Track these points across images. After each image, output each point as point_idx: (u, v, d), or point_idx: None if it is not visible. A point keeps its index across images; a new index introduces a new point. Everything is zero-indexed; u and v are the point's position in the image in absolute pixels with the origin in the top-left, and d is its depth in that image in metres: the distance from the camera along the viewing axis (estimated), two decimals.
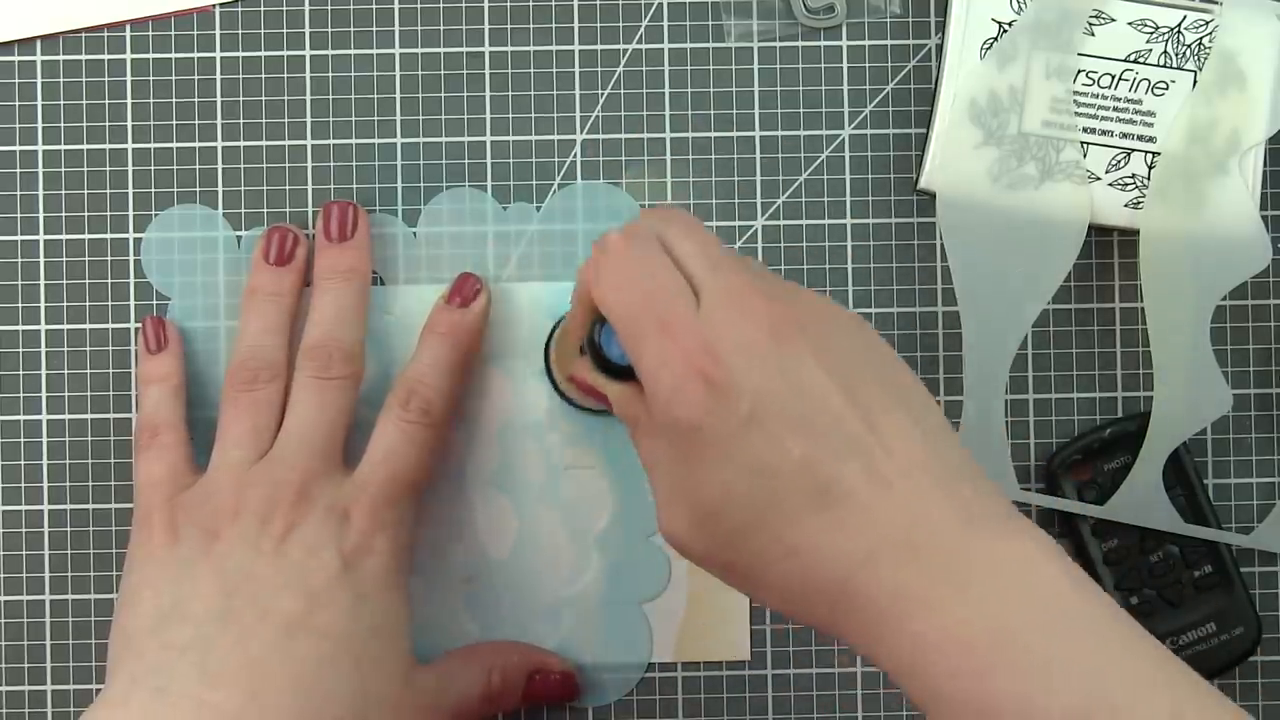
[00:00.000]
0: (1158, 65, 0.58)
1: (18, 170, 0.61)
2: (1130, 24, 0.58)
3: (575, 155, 0.61)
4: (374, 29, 0.61)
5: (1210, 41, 0.58)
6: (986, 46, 0.58)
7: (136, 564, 0.56)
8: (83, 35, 0.61)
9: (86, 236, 0.61)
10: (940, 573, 0.44)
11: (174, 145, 0.61)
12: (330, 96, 0.61)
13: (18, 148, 0.61)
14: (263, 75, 0.61)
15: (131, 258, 0.61)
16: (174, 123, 0.61)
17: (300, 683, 0.52)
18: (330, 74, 0.61)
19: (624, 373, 0.50)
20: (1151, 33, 0.58)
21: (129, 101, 0.61)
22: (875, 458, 0.45)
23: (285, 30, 0.61)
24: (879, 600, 0.45)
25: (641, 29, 0.62)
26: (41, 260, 0.61)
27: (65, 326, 0.61)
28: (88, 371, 0.61)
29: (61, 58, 0.61)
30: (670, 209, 0.52)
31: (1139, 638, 0.44)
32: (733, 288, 0.47)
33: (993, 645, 0.43)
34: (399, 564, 0.56)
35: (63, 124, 0.61)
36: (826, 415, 0.46)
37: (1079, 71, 0.58)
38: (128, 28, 0.61)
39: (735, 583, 0.48)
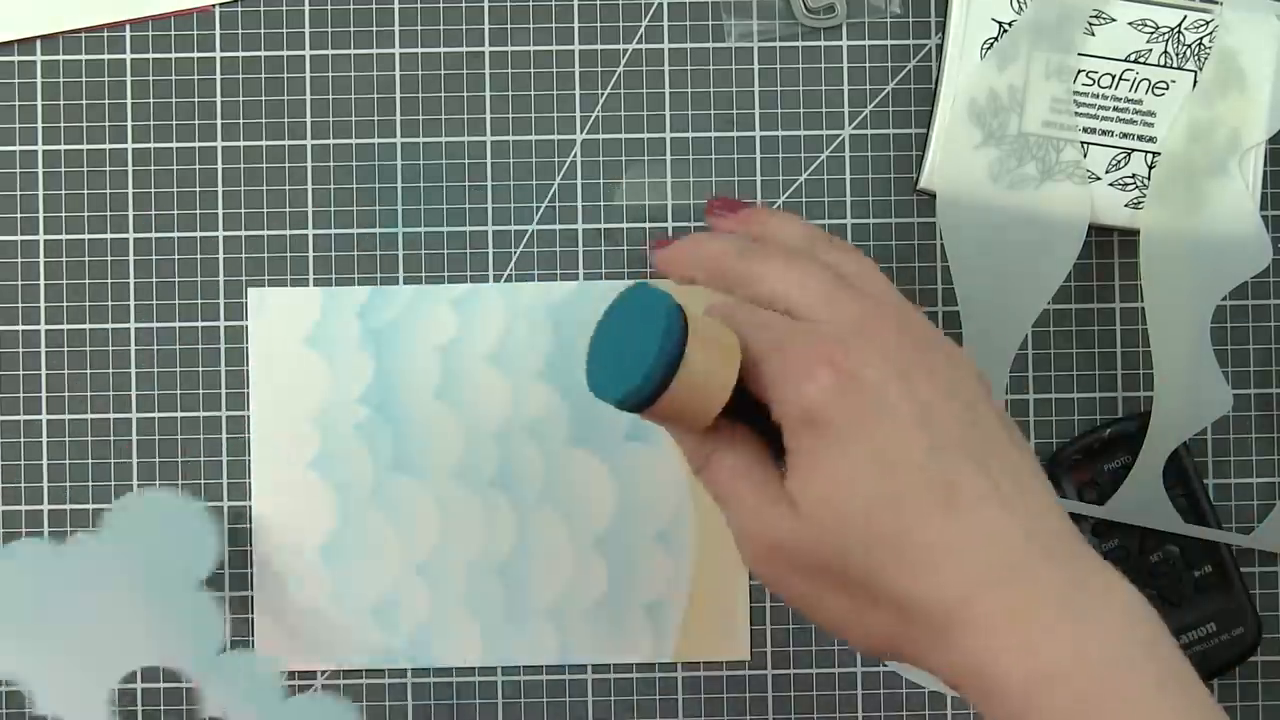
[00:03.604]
0: (1158, 65, 0.58)
1: (18, 170, 0.61)
2: (1130, 24, 0.58)
3: (575, 155, 0.61)
4: (374, 29, 0.61)
5: (1210, 41, 0.58)
6: (986, 46, 0.58)
7: None
8: (83, 35, 0.61)
9: (86, 236, 0.61)
10: (1057, 601, 0.44)
11: (174, 145, 0.61)
12: (330, 96, 0.61)
13: (18, 148, 0.61)
14: (263, 75, 0.61)
15: (131, 258, 0.61)
16: (174, 123, 0.61)
17: None
18: (330, 74, 0.61)
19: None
20: (1151, 33, 0.58)
21: (129, 101, 0.61)
22: (995, 476, 0.45)
23: (285, 30, 0.61)
24: (995, 620, 0.44)
25: (641, 29, 0.61)
26: (41, 260, 0.61)
27: (65, 326, 0.61)
28: (88, 371, 0.61)
29: (61, 58, 0.61)
30: (849, 244, 0.54)
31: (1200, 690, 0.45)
32: (863, 309, 0.49)
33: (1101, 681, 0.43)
34: None
35: (63, 124, 0.61)
36: (947, 422, 0.46)
37: (1079, 71, 0.58)
38: (128, 28, 0.61)
39: (818, 585, 0.47)
